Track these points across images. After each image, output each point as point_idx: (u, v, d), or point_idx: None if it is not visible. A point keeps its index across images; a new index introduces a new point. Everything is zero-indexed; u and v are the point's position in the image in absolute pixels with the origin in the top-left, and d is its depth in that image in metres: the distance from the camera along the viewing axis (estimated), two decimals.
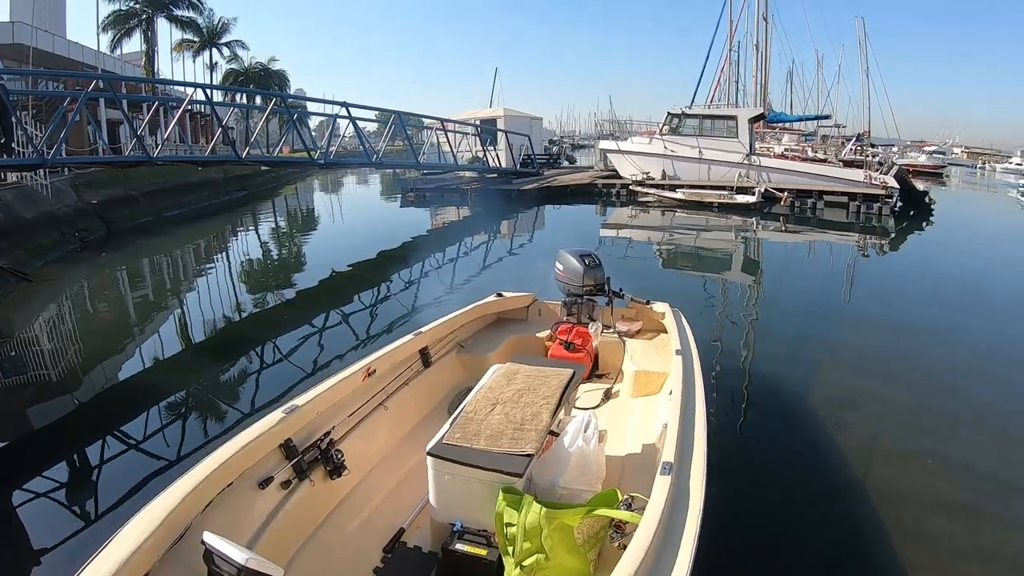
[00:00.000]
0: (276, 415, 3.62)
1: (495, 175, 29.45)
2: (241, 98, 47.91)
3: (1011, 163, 73.86)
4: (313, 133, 28.11)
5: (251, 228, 23.56)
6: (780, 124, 37.63)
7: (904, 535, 4.59)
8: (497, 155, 29.99)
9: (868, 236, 20.22)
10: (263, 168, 33.37)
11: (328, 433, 3.95)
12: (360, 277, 13.70)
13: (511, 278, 12.58)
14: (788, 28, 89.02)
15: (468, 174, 29.77)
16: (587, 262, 6.13)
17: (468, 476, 3.24)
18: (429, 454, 3.33)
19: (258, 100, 44.23)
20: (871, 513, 4.85)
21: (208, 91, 22.05)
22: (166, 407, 7.25)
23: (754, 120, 27.74)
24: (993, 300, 12.24)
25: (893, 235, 20.71)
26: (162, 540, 2.69)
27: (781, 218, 22.55)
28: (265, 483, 3.47)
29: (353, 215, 28.52)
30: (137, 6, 40.15)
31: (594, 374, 5.95)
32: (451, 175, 29.75)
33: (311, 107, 36.34)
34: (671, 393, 4.23)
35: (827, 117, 42.57)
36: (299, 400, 3.81)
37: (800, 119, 37.89)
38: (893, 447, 6.08)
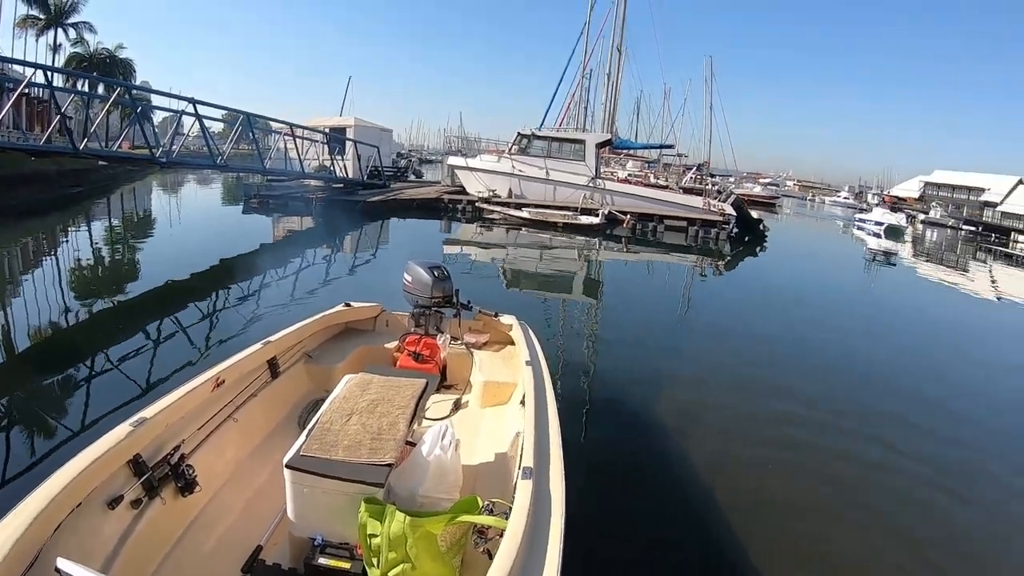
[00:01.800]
0: (123, 428, 3.38)
1: (341, 185, 28.68)
2: (83, 85, 42.80)
3: (839, 197, 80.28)
4: (156, 130, 26.36)
5: (85, 228, 21.56)
6: (625, 150, 38.63)
7: (744, 526, 5.02)
8: (345, 165, 29.26)
9: (705, 258, 21.13)
10: (101, 163, 30.90)
11: (178, 447, 3.74)
12: (201, 285, 12.70)
13: (357, 289, 12.31)
14: (641, 60, 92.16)
15: (314, 183, 28.70)
16: (436, 274, 6.07)
17: (328, 488, 3.12)
18: (287, 466, 3.17)
19: (100, 89, 40.89)
20: (716, 507, 5.26)
21: (48, 74, 20.14)
22: None
23: (601, 145, 28.41)
24: (815, 313, 13.92)
25: (729, 258, 21.79)
26: (12, 570, 2.49)
27: (623, 240, 22.98)
28: (115, 502, 3.23)
29: (193, 219, 26.92)
30: None
31: (442, 385, 5.88)
32: (296, 183, 28.60)
33: (157, 102, 34.75)
34: (522, 402, 4.24)
35: (670, 146, 44.01)
36: (147, 412, 3.56)
37: (645, 147, 38.97)
38: (727, 444, 6.53)
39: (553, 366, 7.22)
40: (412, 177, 40.98)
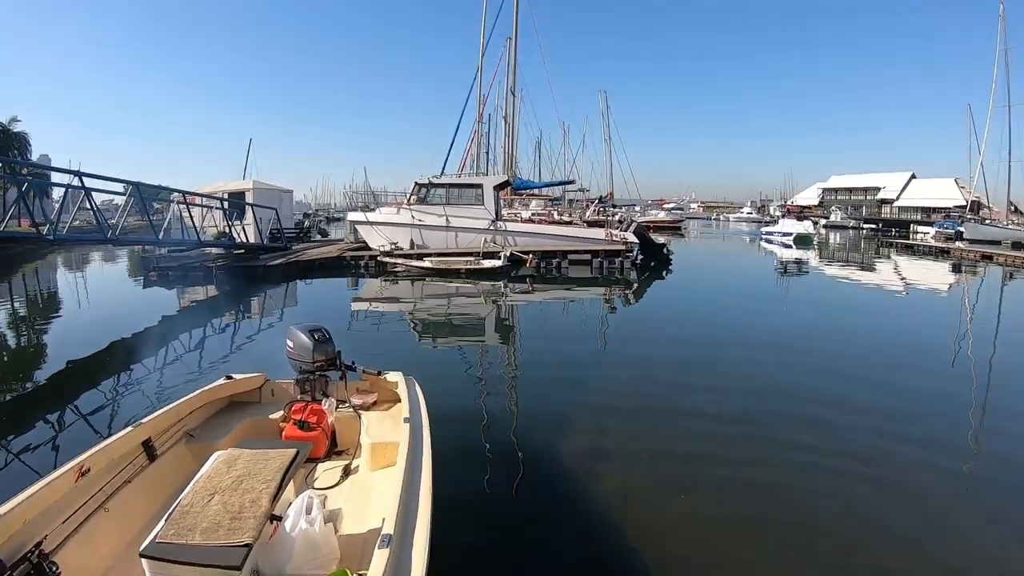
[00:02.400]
0: None
1: (242, 251, 27.93)
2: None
3: (743, 212, 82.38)
4: (56, 205, 25.39)
5: None
6: (527, 191, 38.83)
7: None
8: (245, 229, 28.60)
9: (613, 288, 21.26)
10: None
11: (39, 544, 3.46)
12: (79, 370, 12.10)
13: (250, 359, 12.05)
14: (536, 101, 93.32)
15: (214, 250, 27.85)
16: (316, 337, 5.92)
17: (186, 575, 2.98)
18: (141, 555, 3.06)
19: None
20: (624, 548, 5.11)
21: None
22: None
23: (500, 187, 28.41)
24: (728, 331, 14.07)
25: (636, 285, 21.99)
26: None
27: (528, 279, 22.84)
28: None
29: (89, 297, 25.90)
30: None
31: (333, 452, 5.69)
32: (196, 252, 27.60)
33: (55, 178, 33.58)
34: (402, 464, 4.12)
35: (571, 182, 44.67)
36: (1, 506, 3.40)
37: (545, 185, 39.35)
38: (643, 486, 6.25)
39: (451, 420, 7.46)
40: (317, 237, 40.57)
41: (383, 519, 3.42)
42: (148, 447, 4.93)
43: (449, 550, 4.82)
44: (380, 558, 2.89)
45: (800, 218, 47.52)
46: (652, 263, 25.72)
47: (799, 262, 30.26)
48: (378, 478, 4.61)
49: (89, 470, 4.12)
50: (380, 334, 14.89)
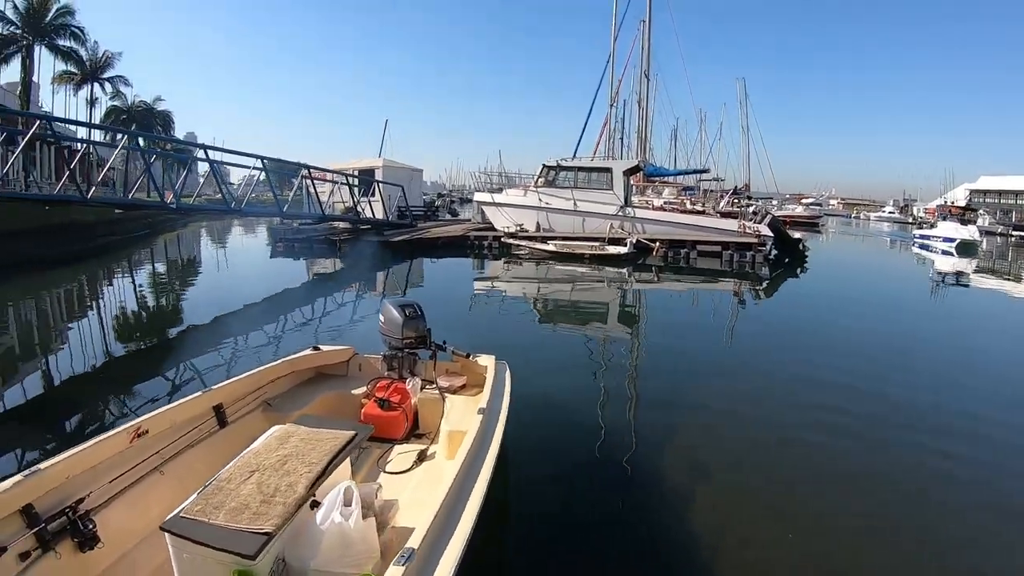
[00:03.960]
0: (15, 478, 3.22)
1: (368, 226, 28.37)
2: (122, 138, 44.24)
3: (884, 212, 78.28)
4: (200, 179, 26.45)
5: (106, 277, 21.73)
6: (660, 178, 37.99)
7: None
8: (371, 206, 28.97)
9: (742, 283, 20.07)
10: (142, 212, 31.40)
11: (82, 500, 3.47)
12: (195, 334, 12.36)
13: (355, 332, 11.97)
14: (671, 86, 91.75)
15: (340, 225, 28.60)
16: (407, 312, 5.84)
17: (205, 556, 2.85)
18: (161, 528, 2.96)
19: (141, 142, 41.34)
20: None
21: (90, 131, 20.57)
22: None
23: (630, 172, 27.74)
24: (858, 339, 12.30)
25: (767, 281, 20.64)
26: None
27: (654, 268, 22.12)
28: None
29: (219, 264, 27.02)
30: (17, 32, 37.87)
31: (413, 434, 5.56)
32: (323, 226, 28.49)
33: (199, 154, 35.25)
34: (461, 459, 3.88)
35: (705, 171, 43.41)
36: (44, 463, 3.40)
37: (678, 173, 38.47)
38: (749, 517, 5.27)
39: (558, 410, 7.38)
40: (446, 216, 40.89)
41: (423, 525, 3.13)
42: (219, 413, 4.90)
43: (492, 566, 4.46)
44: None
45: (963, 221, 41.69)
46: (786, 259, 24.39)
47: (959, 273, 26.42)
48: (451, 468, 4.17)
49: (146, 432, 4.09)
50: (500, 316, 14.69)
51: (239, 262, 27.52)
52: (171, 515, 3.00)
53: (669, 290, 19.04)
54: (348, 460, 3.94)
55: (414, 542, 2.81)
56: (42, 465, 3.39)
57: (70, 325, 13.58)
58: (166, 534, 2.94)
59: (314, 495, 3.28)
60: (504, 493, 5.14)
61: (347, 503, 3.21)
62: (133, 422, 4.07)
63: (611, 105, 37.63)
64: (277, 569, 3.01)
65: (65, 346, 11.61)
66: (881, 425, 7.41)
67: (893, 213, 77.08)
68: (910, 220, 66.60)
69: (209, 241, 37.01)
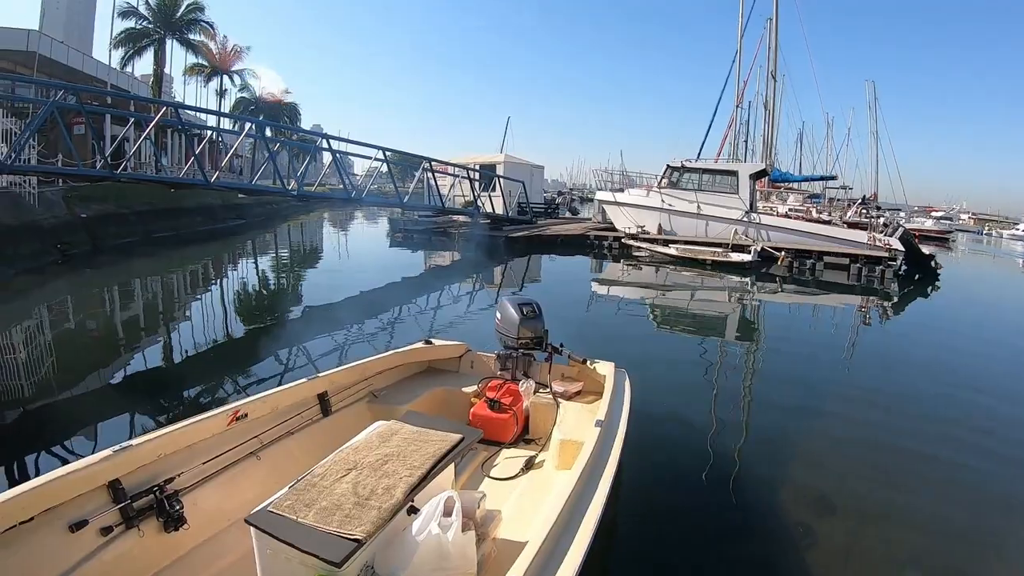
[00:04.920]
0: (104, 452, 3.23)
1: (487, 221, 28.66)
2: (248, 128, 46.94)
3: (1018, 230, 73.65)
4: (327, 170, 27.42)
5: (229, 259, 22.74)
6: (785, 184, 37.06)
7: None
8: (492, 200, 29.24)
9: (869, 299, 19.17)
10: (259, 198, 33.11)
11: (171, 480, 3.50)
12: (310, 317, 12.89)
13: (468, 327, 12.11)
14: (799, 88, 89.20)
15: (460, 218, 29.09)
16: (525, 312, 5.68)
17: (288, 555, 2.73)
18: (246, 521, 2.86)
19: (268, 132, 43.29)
20: None
21: (219, 120, 21.87)
22: None
23: (756, 176, 26.96)
24: (999, 373, 11.17)
25: (896, 299, 19.56)
26: None
27: (778, 279, 21.48)
28: (78, 526, 3.03)
29: (336, 251, 27.97)
30: (150, 26, 40.07)
31: (523, 439, 5.37)
32: (442, 218, 29.14)
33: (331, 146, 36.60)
34: (577, 472, 3.60)
35: (832, 178, 41.65)
36: (136, 440, 3.42)
37: (804, 179, 37.45)
38: (871, 564, 4.74)
39: (674, 424, 7.13)
40: (567, 214, 40.86)
41: (533, 543, 2.89)
42: (323, 401, 4.87)
43: None
44: None
45: None
46: (916, 276, 23.09)
47: None
48: (559, 481, 3.91)
49: (245, 415, 4.08)
50: (617, 319, 14.63)
51: (358, 250, 28.34)
52: (258, 508, 2.94)
53: (792, 303, 18.45)
54: (452, 464, 3.77)
55: (518, 569, 2.57)
56: (133, 441, 3.41)
57: (188, 303, 14.45)
58: (250, 527, 2.87)
59: (412, 501, 3.14)
60: (614, 509, 4.71)
61: (447, 513, 3.04)
62: (232, 405, 4.09)
63: (737, 106, 37.03)
64: None
65: (180, 324, 12.34)
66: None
67: None
68: None
69: (331, 228, 38.12)
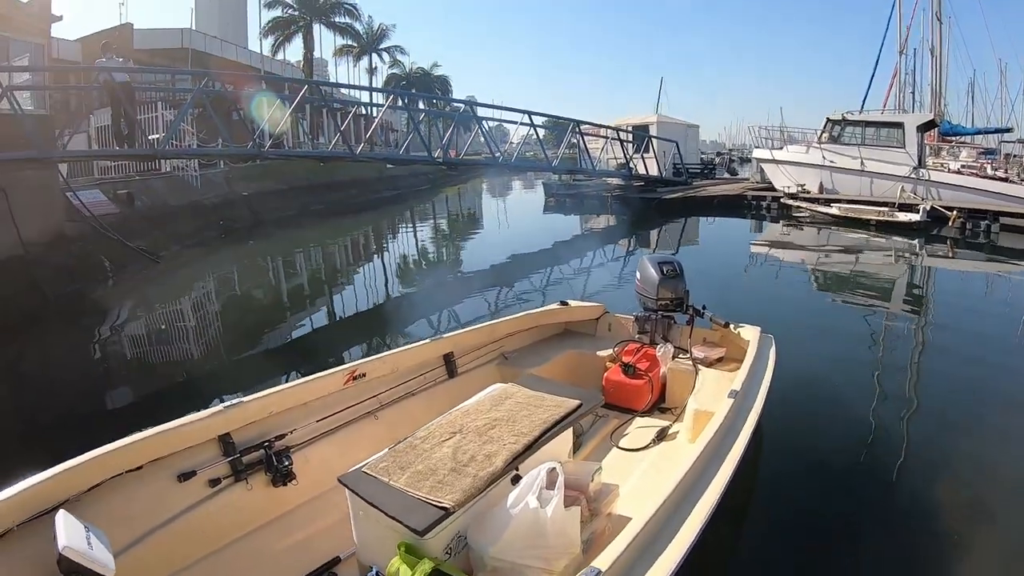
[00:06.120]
0: (215, 407, 3.36)
1: (641, 183, 28.49)
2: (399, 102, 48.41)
3: None
4: (481, 139, 27.97)
5: (381, 229, 23.73)
6: (956, 137, 34.73)
7: None
8: (645, 162, 28.94)
9: None
10: (417, 167, 34.03)
11: (283, 436, 3.59)
12: (457, 283, 13.60)
13: (619, 290, 11.91)
14: (967, 33, 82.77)
15: (613, 181, 28.92)
16: (665, 271, 5.51)
17: (378, 519, 2.70)
18: (339, 480, 2.87)
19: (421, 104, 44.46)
20: None
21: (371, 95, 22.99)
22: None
23: (924, 128, 25.25)
24: None
25: None
26: (12, 516, 2.52)
27: (949, 241, 19.91)
28: (186, 476, 3.18)
29: (488, 216, 28.57)
30: (296, 13, 42.42)
31: (658, 407, 5.22)
32: (596, 182, 29.01)
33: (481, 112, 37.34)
34: (701, 446, 3.39)
35: (1008, 130, 38.80)
36: (247, 397, 3.53)
37: (977, 132, 34.78)
38: None
39: (824, 396, 6.66)
40: (724, 175, 40.18)
41: (639, 521, 2.66)
42: (449, 362, 4.85)
43: None
44: None
45: None
46: None
47: None
48: (689, 454, 3.46)
49: (363, 375, 4.09)
50: (774, 282, 14.52)
51: (514, 216, 28.87)
52: (354, 468, 2.91)
53: (964, 269, 17.00)
54: (570, 432, 3.63)
55: (604, 563, 2.31)
56: (244, 399, 3.49)
57: (334, 272, 15.64)
58: (345, 488, 2.84)
59: (517, 469, 2.99)
60: (749, 487, 4.59)
61: (549, 486, 2.81)
62: (351, 364, 4.10)
63: (900, 52, 34.92)
64: (455, 548, 2.75)
65: (325, 291, 13.50)
66: None
67: None
68: None
69: (488, 196, 38.76)
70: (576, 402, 3.54)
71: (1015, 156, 42.58)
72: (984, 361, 8.66)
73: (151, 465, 3.08)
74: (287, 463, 3.50)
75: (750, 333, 5.31)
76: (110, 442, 2.97)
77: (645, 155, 29.18)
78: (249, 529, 3.33)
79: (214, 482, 3.27)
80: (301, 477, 3.55)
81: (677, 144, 31.19)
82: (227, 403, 3.39)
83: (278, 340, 9.87)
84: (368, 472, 2.86)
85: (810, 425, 6.00)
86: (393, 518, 2.60)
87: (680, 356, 5.33)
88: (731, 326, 5.56)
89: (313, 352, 8.97)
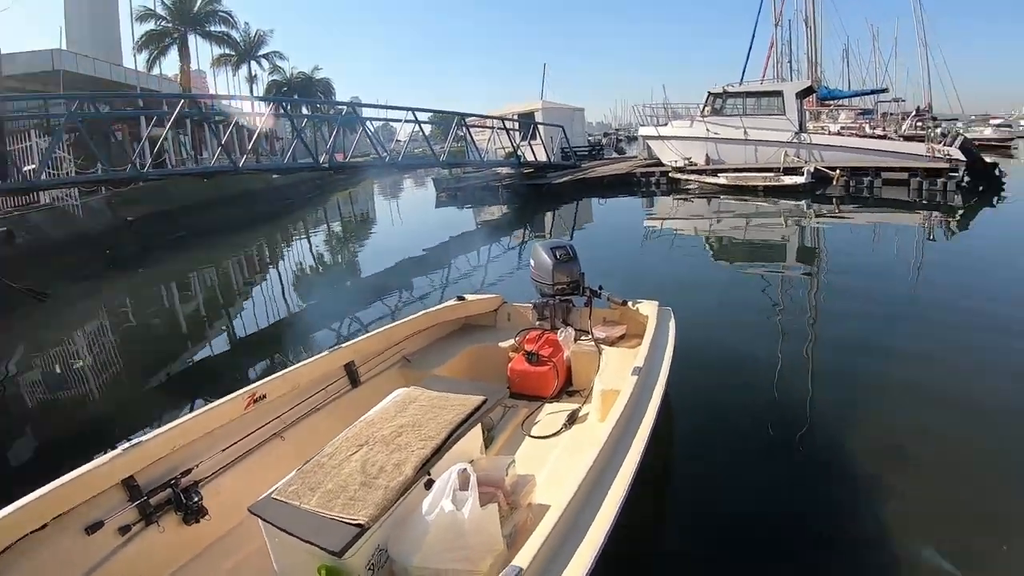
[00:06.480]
0: (115, 451, 3.16)
1: (531, 170, 28.32)
2: (286, 108, 47.07)
3: None
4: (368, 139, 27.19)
5: (278, 240, 22.81)
6: (835, 101, 35.99)
7: None
8: (533, 149, 28.83)
9: (932, 215, 18.21)
10: (311, 175, 33.18)
11: (189, 471, 3.41)
12: (353, 290, 13.00)
13: (514, 280, 11.53)
14: (839, 2, 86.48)
15: (503, 171, 28.78)
16: (558, 255, 5.44)
17: (293, 545, 2.61)
18: (250, 511, 2.77)
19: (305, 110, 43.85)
20: None
21: (253, 104, 22.27)
22: None
23: (802, 95, 26.06)
24: None
25: (961, 213, 18.50)
26: None
27: (834, 200, 20.64)
28: (93, 528, 2.96)
29: (383, 219, 28.00)
30: (169, 25, 40.57)
31: (566, 391, 5.15)
32: (486, 173, 28.90)
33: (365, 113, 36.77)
34: (611, 425, 3.30)
35: (884, 91, 40.54)
36: (148, 435, 3.33)
37: (854, 94, 36.36)
38: (953, 518, 4.10)
39: (729, 363, 6.75)
40: (613, 154, 40.37)
41: (557, 508, 2.58)
42: (351, 371, 4.69)
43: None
44: None
45: None
46: (980, 187, 21.64)
47: None
48: (601, 433, 3.42)
49: (264, 397, 3.92)
50: (670, 255, 14.35)
51: (406, 215, 28.47)
52: (263, 495, 2.82)
53: (851, 224, 17.56)
54: (479, 428, 3.63)
55: (523, 560, 2.22)
56: (144, 437, 3.30)
57: (229, 291, 14.90)
58: (257, 518, 2.75)
59: (429, 474, 2.97)
60: (664, 460, 4.73)
61: (463, 486, 2.81)
62: (249, 387, 3.92)
63: (775, 24, 35.82)
64: (378, 562, 2.73)
65: (218, 312, 12.67)
66: None
67: None
68: None
69: (380, 196, 38.19)
70: (481, 398, 3.55)
71: (891, 115, 44.29)
72: (879, 309, 8.93)
73: (55, 522, 2.86)
74: (196, 498, 3.33)
75: (648, 308, 5.34)
76: (8, 504, 2.76)
77: (532, 142, 29.14)
78: (166, 574, 3.16)
79: (124, 530, 3.08)
80: (213, 511, 3.37)
81: (563, 128, 31.12)
82: (127, 444, 3.20)
83: (179, 369, 9.02)
84: (278, 498, 2.77)
85: (719, 392, 6.06)
86: (308, 542, 2.52)
87: (582, 338, 5.36)
88: (629, 303, 5.59)
89: (215, 377, 8.20)
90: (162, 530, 3.18)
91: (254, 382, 4.02)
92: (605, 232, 18.54)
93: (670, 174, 25.32)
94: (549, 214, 22.59)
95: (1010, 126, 69.19)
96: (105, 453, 3.18)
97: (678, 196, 23.49)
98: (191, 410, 3.90)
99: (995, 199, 20.50)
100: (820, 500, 4.34)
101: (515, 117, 30.15)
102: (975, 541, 3.86)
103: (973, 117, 67.58)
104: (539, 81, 43.57)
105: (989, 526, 3.99)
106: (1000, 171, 22.48)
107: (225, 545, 3.37)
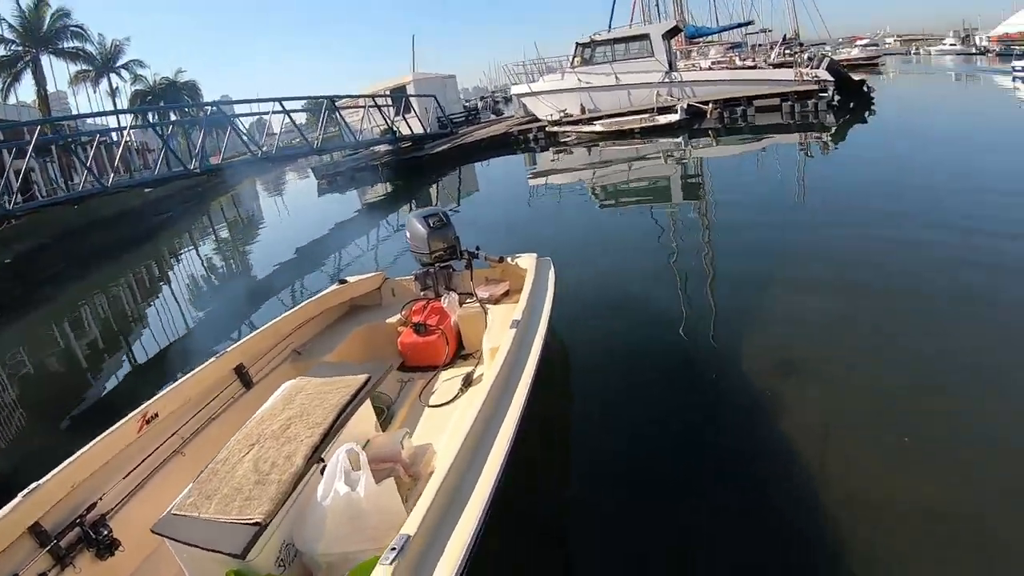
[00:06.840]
0: (14, 500, 2.91)
1: (409, 144, 27.57)
2: (153, 116, 44.91)
3: (944, 45, 73.73)
4: (244, 137, 25.72)
5: (165, 254, 21.46)
6: (703, 38, 36.28)
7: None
8: (408, 122, 28.16)
9: (808, 134, 18.49)
10: (184, 183, 31.29)
11: (94, 505, 3.19)
12: (232, 295, 12.16)
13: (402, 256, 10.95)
14: None
15: (381, 148, 27.99)
16: (432, 223, 5.38)
17: (200, 556, 2.52)
18: (152, 531, 2.67)
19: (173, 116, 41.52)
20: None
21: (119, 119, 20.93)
22: None
23: (669, 35, 25.97)
24: (945, 179, 10.32)
25: (835, 129, 18.86)
26: None
27: (710, 132, 20.72)
28: None
29: (268, 216, 26.87)
30: (20, 48, 38.21)
31: (459, 356, 5.16)
32: (364, 153, 28.14)
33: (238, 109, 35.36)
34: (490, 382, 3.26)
35: (750, 23, 41.20)
36: (44, 476, 3.09)
37: (721, 30, 36.74)
38: (850, 422, 4.09)
39: (620, 305, 6.71)
40: (491, 117, 39.65)
41: (441, 471, 2.55)
42: (242, 374, 4.48)
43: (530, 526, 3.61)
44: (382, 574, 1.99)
45: None
46: (851, 104, 22.37)
47: None
48: (487, 390, 3.36)
49: (156, 415, 3.71)
50: (559, 207, 14.19)
51: (291, 207, 27.64)
52: (164, 514, 2.71)
53: (730, 153, 17.59)
54: (369, 406, 3.55)
55: (410, 527, 2.18)
56: (42, 480, 3.07)
57: (131, 312, 13.50)
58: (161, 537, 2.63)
59: (322, 460, 2.87)
60: (566, 403, 4.74)
61: (354, 466, 2.72)
62: (140, 408, 3.68)
63: None
64: (287, 558, 2.63)
65: (123, 336, 11.41)
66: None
67: (955, 45, 72.30)
68: (973, 51, 62.34)
69: (263, 193, 36.79)
70: (364, 376, 3.48)
71: (760, 46, 44.90)
72: (769, 233, 8.86)
73: None
74: (106, 532, 3.12)
75: (527, 261, 5.42)
76: None
77: (407, 115, 28.42)
78: None
79: None
80: (126, 541, 3.16)
81: (436, 98, 30.49)
82: (26, 491, 2.96)
83: (76, 405, 8.25)
84: (178, 513, 2.67)
85: (617, 336, 5.98)
86: (211, 550, 2.43)
87: (467, 301, 5.34)
88: (507, 259, 5.65)
89: (111, 407, 7.48)
90: (79, 571, 2.99)
91: (146, 401, 3.77)
92: (492, 194, 18.24)
93: (547, 128, 25.13)
94: (433, 186, 21.98)
95: (876, 45, 71.91)
96: (6, 503, 2.91)
97: (557, 149, 23.26)
98: (86, 442, 3.52)
99: (866, 114, 21.06)
100: (723, 430, 4.23)
101: (387, 93, 29.45)
102: (875, 441, 3.83)
103: (841, 40, 69.67)
104: (409, 54, 42.73)
105: (888, 424, 3.95)
106: (868, 87, 23.21)
107: (144, 573, 3.22)
